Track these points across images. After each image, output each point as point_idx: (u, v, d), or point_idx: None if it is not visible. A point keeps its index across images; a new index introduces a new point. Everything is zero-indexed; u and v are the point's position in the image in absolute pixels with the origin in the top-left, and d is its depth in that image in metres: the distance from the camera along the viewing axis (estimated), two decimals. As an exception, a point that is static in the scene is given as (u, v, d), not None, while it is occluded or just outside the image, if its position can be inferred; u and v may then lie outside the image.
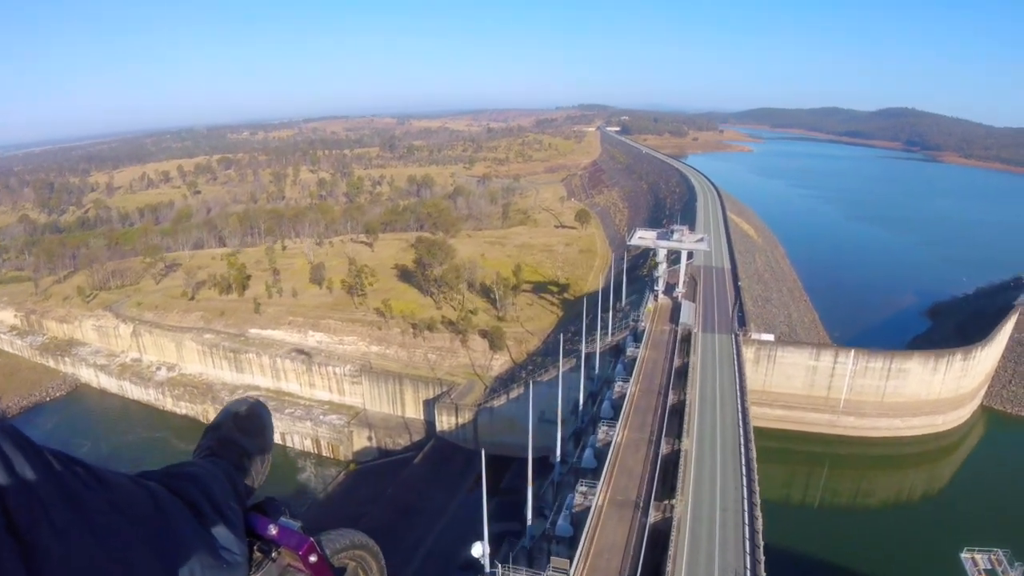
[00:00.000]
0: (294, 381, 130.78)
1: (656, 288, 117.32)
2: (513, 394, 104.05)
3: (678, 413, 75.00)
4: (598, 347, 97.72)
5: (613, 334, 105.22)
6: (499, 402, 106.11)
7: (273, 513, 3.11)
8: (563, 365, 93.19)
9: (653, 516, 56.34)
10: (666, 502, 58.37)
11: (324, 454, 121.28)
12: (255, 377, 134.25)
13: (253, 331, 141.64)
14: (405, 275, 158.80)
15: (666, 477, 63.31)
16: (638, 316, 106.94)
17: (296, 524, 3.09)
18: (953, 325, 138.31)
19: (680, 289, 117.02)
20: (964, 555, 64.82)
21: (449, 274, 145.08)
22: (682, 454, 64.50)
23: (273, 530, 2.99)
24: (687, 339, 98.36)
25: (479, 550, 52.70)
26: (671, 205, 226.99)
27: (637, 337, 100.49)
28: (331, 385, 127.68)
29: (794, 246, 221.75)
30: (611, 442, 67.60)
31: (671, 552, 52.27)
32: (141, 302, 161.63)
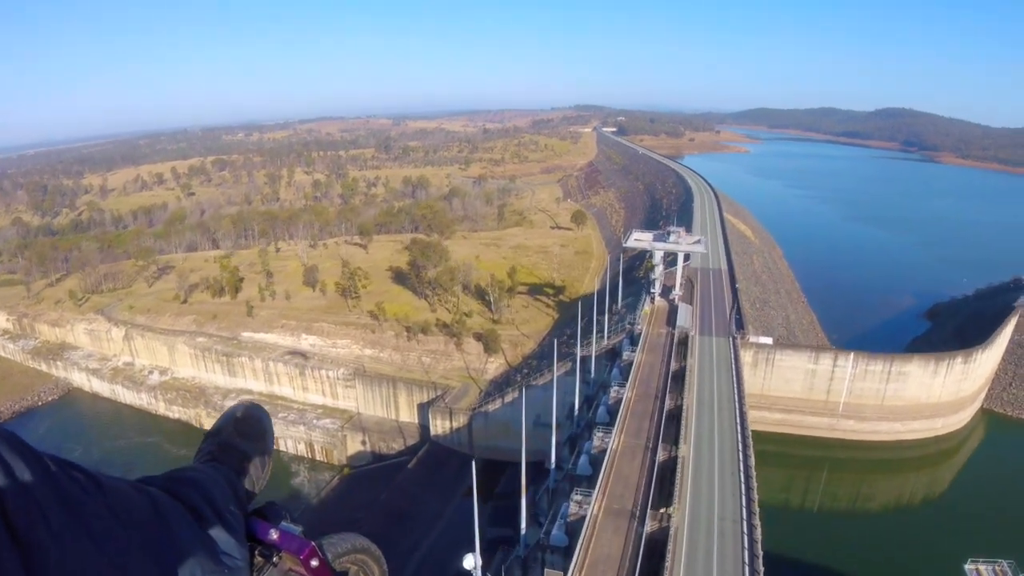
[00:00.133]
0: (287, 385, 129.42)
1: (652, 291, 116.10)
2: (508, 398, 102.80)
3: (675, 418, 73.72)
4: (594, 350, 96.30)
5: (609, 337, 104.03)
6: (494, 406, 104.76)
7: (274, 517, 3.13)
8: (559, 369, 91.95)
9: (650, 526, 55.06)
10: (663, 511, 57.06)
11: (318, 458, 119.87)
12: (248, 381, 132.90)
13: (246, 334, 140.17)
14: (399, 277, 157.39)
15: (663, 484, 61.98)
16: (634, 319, 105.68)
17: (297, 528, 3.11)
18: (952, 327, 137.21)
19: (677, 291, 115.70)
20: (968, 566, 63.44)
21: (443, 276, 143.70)
22: (679, 461, 63.11)
23: (274, 535, 3.01)
24: (684, 342, 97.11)
25: (471, 562, 51.29)
26: (667, 206, 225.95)
27: (633, 340, 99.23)
28: (324, 389, 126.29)
29: (791, 247, 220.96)
30: (607, 449, 66.25)
31: (668, 563, 50.96)
32: (133, 305, 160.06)
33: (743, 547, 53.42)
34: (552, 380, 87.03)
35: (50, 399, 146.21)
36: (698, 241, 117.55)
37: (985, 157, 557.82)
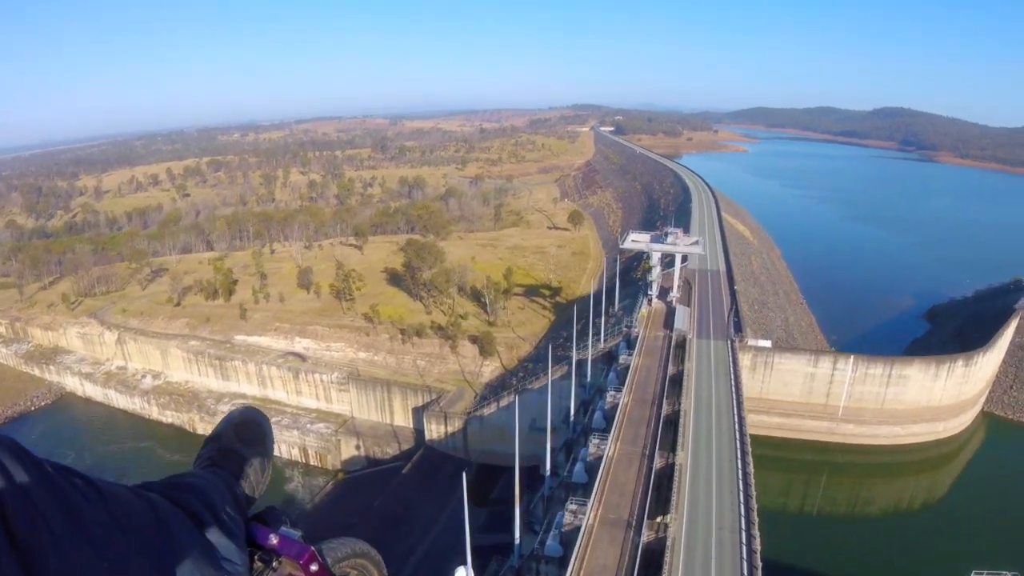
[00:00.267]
0: (280, 389, 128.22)
1: (650, 292, 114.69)
2: (503, 402, 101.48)
3: (672, 424, 72.48)
4: (590, 354, 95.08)
5: (605, 340, 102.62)
6: (489, 410, 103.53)
7: (274, 522, 3.15)
8: (555, 373, 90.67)
9: (646, 536, 53.78)
10: (660, 520, 55.82)
11: (312, 463, 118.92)
12: (241, 385, 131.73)
13: (239, 338, 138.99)
14: (395, 279, 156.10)
15: (660, 492, 60.68)
16: (631, 322, 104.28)
17: (297, 533, 3.12)
18: (952, 328, 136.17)
19: (674, 293, 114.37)
20: (973, 577, 61.95)
21: (439, 278, 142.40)
22: (676, 468, 61.83)
23: (274, 539, 3.02)
24: (682, 345, 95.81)
25: (463, 575, 49.99)
26: (665, 206, 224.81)
27: (630, 344, 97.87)
28: (318, 393, 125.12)
29: (789, 247, 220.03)
30: (602, 456, 65.01)
31: (665, 575, 49.67)
32: (126, 308, 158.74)
33: (742, 558, 52.13)
34: (547, 385, 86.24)
35: (43, 404, 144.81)
36: (696, 242, 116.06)
37: (983, 157, 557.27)
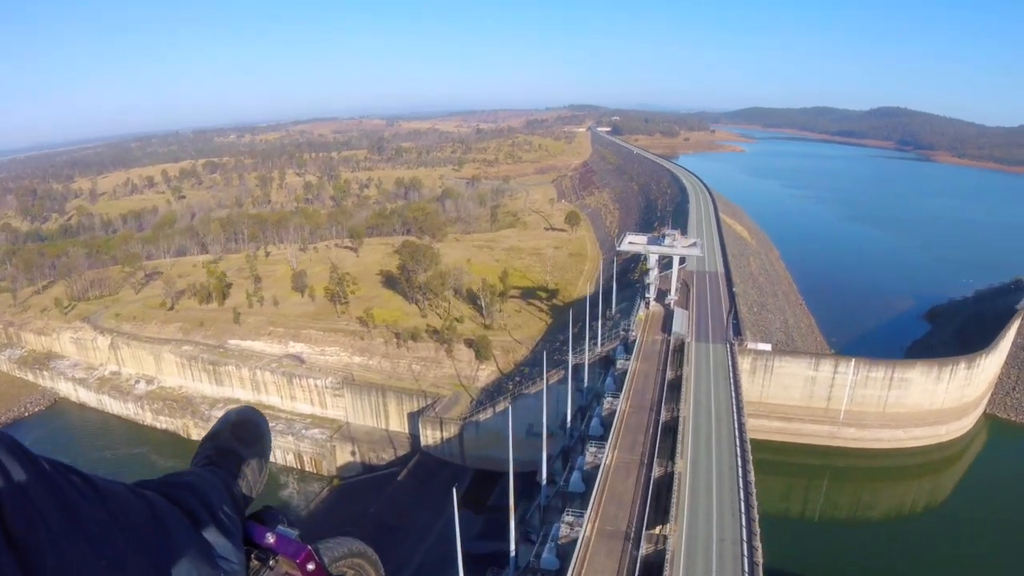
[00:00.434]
0: (275, 394, 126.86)
1: (647, 295, 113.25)
2: (500, 407, 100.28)
3: (671, 431, 71.10)
4: (587, 358, 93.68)
5: (603, 344, 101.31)
6: (485, 415, 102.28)
7: (271, 521, 3.17)
8: (551, 377, 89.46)
9: (645, 548, 52.37)
10: (658, 532, 54.45)
11: (307, 469, 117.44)
12: (235, 390, 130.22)
13: (232, 342, 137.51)
14: (390, 281, 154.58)
15: (659, 502, 59.30)
16: (629, 325, 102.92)
17: (294, 532, 3.14)
18: (952, 329, 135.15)
19: (672, 296, 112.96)
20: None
21: (434, 281, 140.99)
22: (676, 478, 60.41)
23: (270, 538, 3.03)
24: (680, 349, 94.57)
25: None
26: (662, 207, 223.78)
27: (628, 348, 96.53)
28: (312, 398, 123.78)
29: (788, 247, 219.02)
30: (600, 465, 63.53)
31: (664, 589, 48.31)
32: (119, 313, 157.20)
33: (743, 571, 50.72)
34: (544, 390, 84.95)
35: (36, 410, 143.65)
36: (694, 244, 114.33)
37: (981, 156, 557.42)
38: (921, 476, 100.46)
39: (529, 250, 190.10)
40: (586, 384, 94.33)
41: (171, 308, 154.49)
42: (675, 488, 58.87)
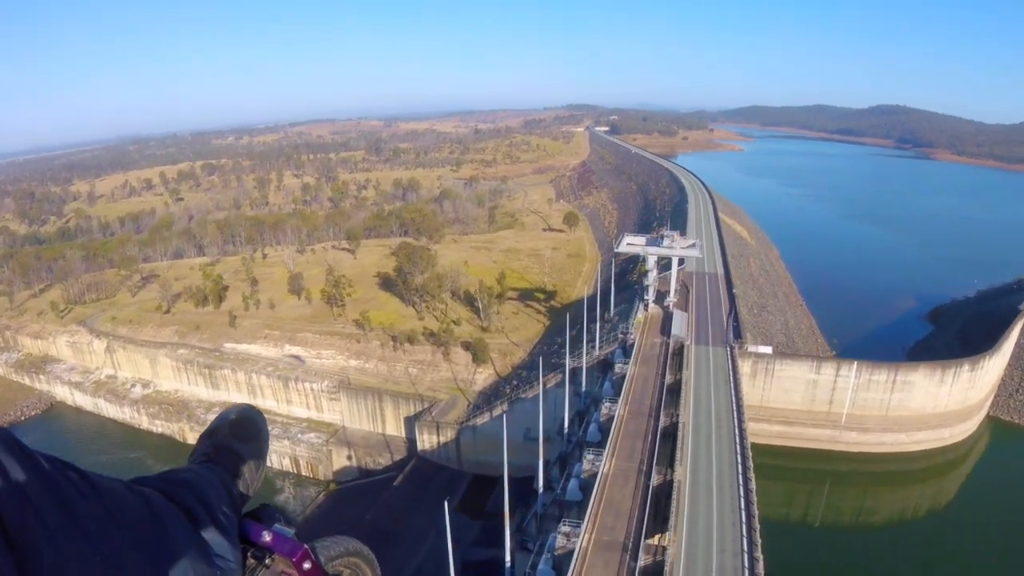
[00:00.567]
0: (271, 398, 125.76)
1: (646, 297, 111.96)
2: (497, 411, 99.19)
3: (670, 437, 69.85)
4: (584, 362, 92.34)
5: (601, 347, 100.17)
6: (482, 419, 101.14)
7: (267, 520, 3.17)
8: (549, 381, 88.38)
9: (643, 560, 51.11)
10: (657, 543, 53.22)
11: (303, 473, 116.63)
12: (231, 394, 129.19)
13: (228, 345, 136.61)
14: (387, 283, 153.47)
15: (658, 510, 58.06)
16: (627, 328, 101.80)
17: (290, 531, 3.15)
18: (955, 330, 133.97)
19: (671, 298, 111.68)
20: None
21: (431, 283, 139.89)
22: (675, 486, 59.16)
23: (267, 537, 3.03)
24: (679, 352, 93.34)
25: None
26: (661, 207, 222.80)
27: (626, 351, 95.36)
28: (308, 402, 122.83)
29: (787, 246, 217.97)
30: (597, 473, 62.24)
31: (663, 602, 47.13)
32: (116, 316, 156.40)
33: (745, 583, 49.57)
34: (539, 395, 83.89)
35: (33, 414, 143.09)
36: (693, 245, 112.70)
37: (980, 154, 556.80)
38: (924, 480, 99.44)
39: (527, 251, 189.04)
40: (584, 388, 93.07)
41: (167, 311, 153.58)
42: (674, 497, 57.66)
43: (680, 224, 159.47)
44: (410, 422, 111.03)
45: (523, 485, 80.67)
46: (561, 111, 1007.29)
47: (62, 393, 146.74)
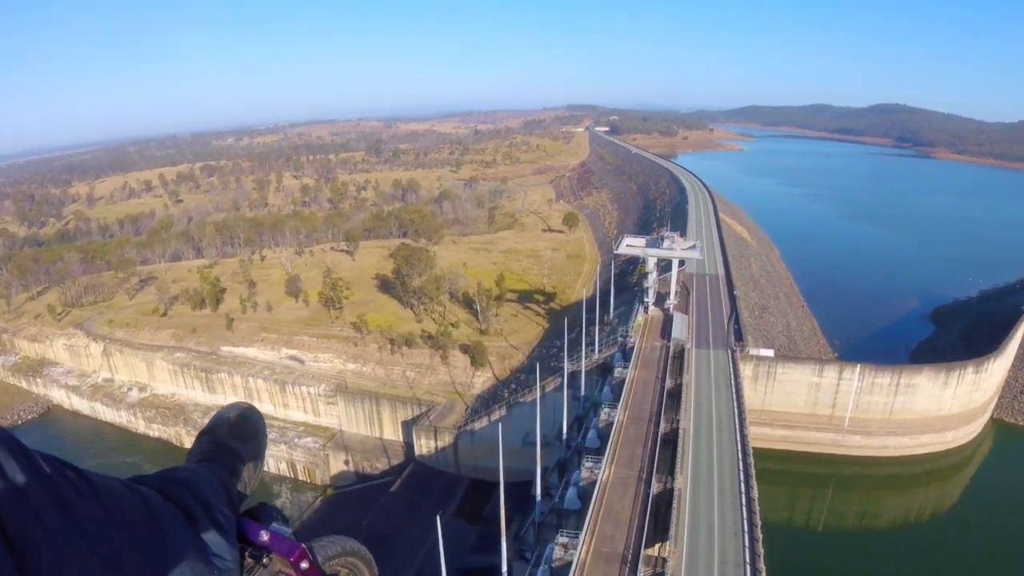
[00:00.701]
0: (267, 402, 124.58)
1: (646, 299, 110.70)
2: (495, 416, 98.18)
3: (671, 443, 68.60)
4: (583, 365, 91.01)
5: (600, 351, 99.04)
6: (480, 424, 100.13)
7: (265, 519, 3.17)
8: (548, 385, 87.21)
9: (643, 572, 49.97)
10: (657, 554, 52.02)
11: (300, 478, 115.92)
12: (227, 397, 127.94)
13: (225, 349, 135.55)
14: (385, 285, 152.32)
15: (658, 518, 56.90)
16: (627, 331, 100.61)
17: (288, 530, 3.15)
18: (958, 331, 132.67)
19: (672, 300, 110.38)
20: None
21: (429, 285, 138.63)
22: (675, 494, 57.93)
23: (265, 536, 3.03)
24: (680, 356, 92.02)
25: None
26: (661, 207, 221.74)
27: (626, 355, 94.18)
28: (305, 406, 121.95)
29: (788, 247, 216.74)
30: (596, 481, 60.97)
31: (664, 615, 45.95)
32: (112, 319, 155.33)
33: (747, 595, 48.37)
34: (543, 395, 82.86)
35: (30, 417, 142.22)
36: (693, 246, 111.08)
37: (980, 152, 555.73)
38: (928, 484, 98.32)
39: (527, 252, 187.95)
40: (583, 393, 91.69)
41: (164, 314, 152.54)
42: (675, 506, 56.45)
43: (680, 224, 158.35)
44: (407, 426, 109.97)
45: (522, 490, 79.63)
46: (561, 111, 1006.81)
47: (59, 397, 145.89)
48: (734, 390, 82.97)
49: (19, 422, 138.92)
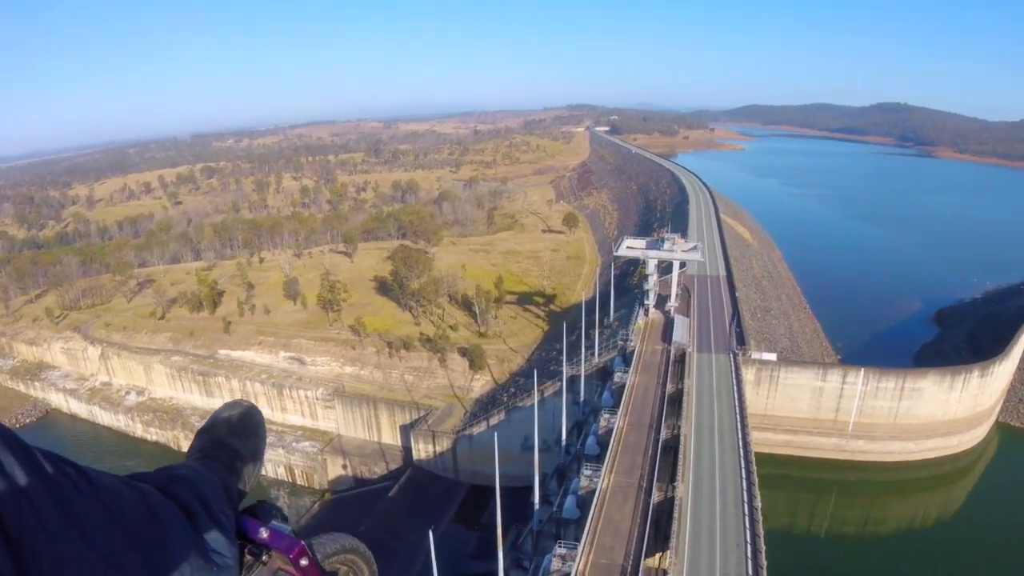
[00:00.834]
0: (265, 405, 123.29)
1: (646, 302, 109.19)
2: (494, 420, 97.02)
3: (671, 450, 67.32)
4: (583, 369, 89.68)
5: (600, 354, 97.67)
6: (479, 429, 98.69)
7: (264, 516, 3.17)
8: (547, 390, 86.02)
9: (643, 585, 48.64)
10: (657, 565, 50.80)
11: (299, 482, 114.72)
12: (225, 401, 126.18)
13: (223, 352, 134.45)
14: (384, 288, 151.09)
15: (658, 527, 55.65)
16: (627, 334, 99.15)
17: (287, 528, 3.16)
18: (963, 333, 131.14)
19: (673, 302, 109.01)
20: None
21: (428, 287, 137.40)
22: (676, 504, 56.60)
23: (264, 533, 3.04)
24: (681, 360, 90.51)
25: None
26: (662, 207, 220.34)
27: (626, 359, 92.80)
28: (303, 409, 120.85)
29: (789, 247, 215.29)
30: (595, 489, 59.64)
31: (664, 630, 44.70)
32: (110, 323, 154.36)
33: (750, 610, 47.08)
34: (542, 400, 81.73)
35: (28, 421, 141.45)
36: (694, 248, 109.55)
37: (983, 152, 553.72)
38: (932, 489, 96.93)
39: (526, 253, 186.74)
40: (583, 398, 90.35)
41: (161, 317, 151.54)
42: (675, 516, 55.11)
43: (681, 225, 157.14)
44: (406, 431, 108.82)
45: (521, 496, 78.44)
46: (561, 111, 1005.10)
47: (57, 400, 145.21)
48: (736, 395, 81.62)
49: (17, 426, 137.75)
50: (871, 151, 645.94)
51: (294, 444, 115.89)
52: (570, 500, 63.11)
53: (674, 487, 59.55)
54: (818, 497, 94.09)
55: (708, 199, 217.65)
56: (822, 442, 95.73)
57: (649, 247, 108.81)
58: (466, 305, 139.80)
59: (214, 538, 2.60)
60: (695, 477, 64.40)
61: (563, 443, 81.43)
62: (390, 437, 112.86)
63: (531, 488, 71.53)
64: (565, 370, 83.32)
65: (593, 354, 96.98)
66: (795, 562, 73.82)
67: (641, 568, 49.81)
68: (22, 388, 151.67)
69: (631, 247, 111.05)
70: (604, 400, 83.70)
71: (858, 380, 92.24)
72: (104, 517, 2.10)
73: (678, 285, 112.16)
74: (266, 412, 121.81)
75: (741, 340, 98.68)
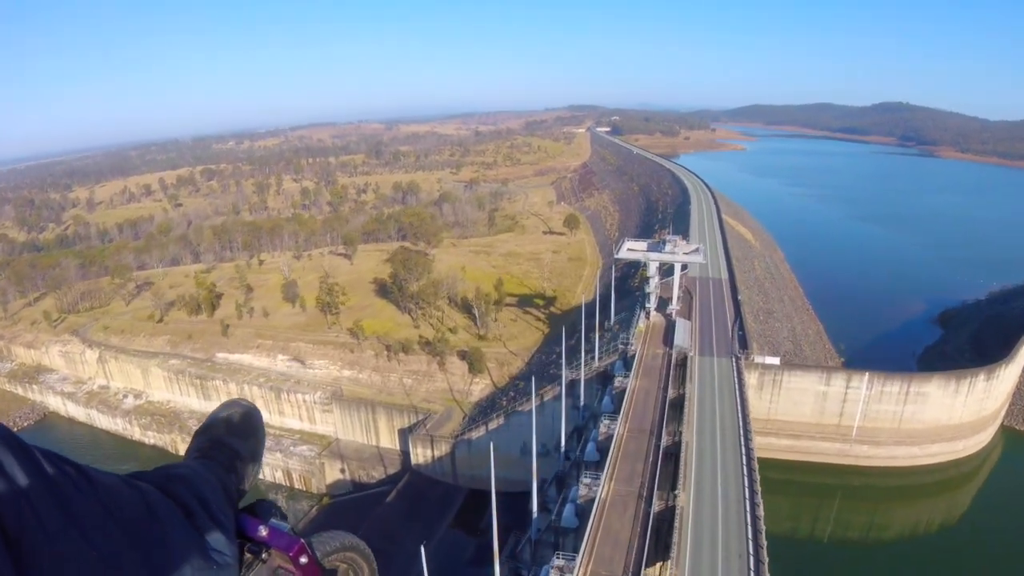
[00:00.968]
0: (263, 409, 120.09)
1: (647, 305, 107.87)
2: (493, 425, 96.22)
3: (673, 457, 66.18)
4: (583, 374, 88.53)
5: (600, 358, 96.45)
6: (478, 433, 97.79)
7: (264, 514, 3.18)
8: (547, 394, 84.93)
9: (643, 596, 47.54)
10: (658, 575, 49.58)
11: (296, 486, 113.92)
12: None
13: (220, 355, 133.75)
14: (383, 290, 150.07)
15: (659, 539, 54.50)
16: (628, 338, 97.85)
17: (287, 526, 3.17)
18: (967, 335, 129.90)
19: (674, 305, 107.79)
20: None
21: (427, 290, 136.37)
22: (677, 513, 55.45)
23: (263, 531, 3.05)
24: (683, 364, 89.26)
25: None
26: (663, 208, 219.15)
27: (627, 363, 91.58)
28: (301, 413, 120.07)
29: (791, 248, 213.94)
30: (595, 498, 58.45)
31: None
32: (108, 326, 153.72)
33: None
34: (541, 404, 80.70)
35: (26, 424, 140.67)
36: (696, 250, 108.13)
37: (984, 151, 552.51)
38: (937, 494, 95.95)
39: (527, 255, 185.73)
40: (583, 402, 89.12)
41: (160, 320, 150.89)
42: (676, 525, 53.96)
43: (683, 226, 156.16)
44: (404, 435, 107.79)
45: (520, 501, 77.37)
46: (562, 112, 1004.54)
47: (55, 403, 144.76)
48: (738, 400, 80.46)
49: (15, 429, 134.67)
50: (873, 151, 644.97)
51: (292, 448, 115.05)
52: (569, 509, 62.00)
53: (675, 496, 58.45)
54: (821, 502, 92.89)
55: (710, 200, 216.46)
56: (826, 447, 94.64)
57: (650, 249, 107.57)
58: (466, 308, 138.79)
59: (214, 537, 2.60)
60: (696, 484, 63.25)
61: (562, 448, 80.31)
62: (388, 441, 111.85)
63: (530, 494, 70.44)
64: (565, 374, 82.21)
65: (593, 358, 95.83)
66: (798, 568, 72.77)
67: (641, 579, 48.72)
68: (20, 391, 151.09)
69: (632, 249, 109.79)
70: (604, 405, 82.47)
71: (862, 384, 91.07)
72: (104, 516, 2.11)
73: (680, 287, 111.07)
74: (264, 416, 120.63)
75: (744, 343, 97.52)
